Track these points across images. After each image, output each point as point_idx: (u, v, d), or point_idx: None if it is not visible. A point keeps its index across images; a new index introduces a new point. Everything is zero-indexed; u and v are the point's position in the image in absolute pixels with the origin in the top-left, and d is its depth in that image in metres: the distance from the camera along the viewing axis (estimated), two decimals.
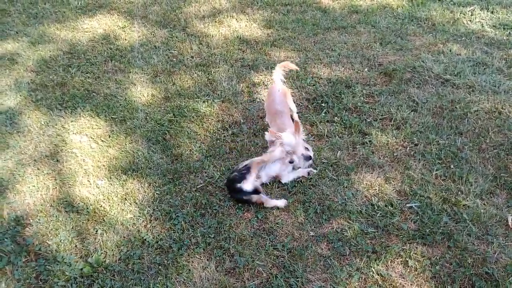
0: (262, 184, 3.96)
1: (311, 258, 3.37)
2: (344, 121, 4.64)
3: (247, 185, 3.73)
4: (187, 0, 7.48)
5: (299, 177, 4.03)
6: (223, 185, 3.98)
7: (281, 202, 3.76)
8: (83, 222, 3.75)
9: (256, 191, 3.76)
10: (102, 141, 4.60)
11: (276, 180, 4.04)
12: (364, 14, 6.81)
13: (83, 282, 3.30)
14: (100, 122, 4.85)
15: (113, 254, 3.49)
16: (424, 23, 6.49)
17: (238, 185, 3.74)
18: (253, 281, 3.24)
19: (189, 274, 3.31)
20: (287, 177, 4.01)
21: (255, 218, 3.70)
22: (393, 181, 3.95)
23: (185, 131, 4.65)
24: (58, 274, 3.34)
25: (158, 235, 3.61)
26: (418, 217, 3.61)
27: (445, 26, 6.36)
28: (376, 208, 3.72)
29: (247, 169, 3.84)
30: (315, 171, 4.07)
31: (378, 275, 3.21)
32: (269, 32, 6.46)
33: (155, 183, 4.09)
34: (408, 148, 4.28)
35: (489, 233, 3.44)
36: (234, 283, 3.24)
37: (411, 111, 4.72)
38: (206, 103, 5.05)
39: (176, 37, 6.40)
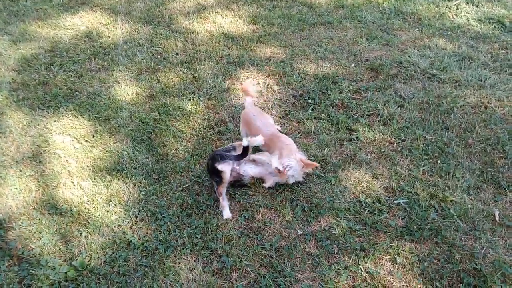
0: (245, 185, 3.94)
1: (299, 257, 3.34)
2: (331, 118, 4.62)
3: (222, 166, 3.66)
4: None
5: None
6: (209, 185, 3.93)
7: (226, 213, 3.70)
8: (67, 225, 3.68)
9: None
10: (86, 141, 4.52)
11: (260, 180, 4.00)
12: (350, 9, 6.79)
13: (68, 286, 3.24)
14: (83, 121, 4.76)
15: (98, 257, 3.43)
16: (410, 17, 6.49)
17: (216, 164, 3.67)
18: (241, 281, 3.21)
19: (176, 275, 3.27)
20: (272, 181, 3.91)
21: (242, 217, 3.66)
22: (380, 178, 3.94)
23: (171, 130, 4.58)
24: (42, 279, 3.28)
25: (144, 237, 3.56)
26: (405, 213, 3.61)
27: (431, 21, 6.36)
28: (364, 205, 3.71)
29: (233, 147, 3.86)
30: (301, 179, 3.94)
31: (366, 273, 3.20)
32: (255, 28, 6.40)
33: (141, 183, 4.02)
34: (395, 144, 4.27)
35: (476, 229, 3.44)
36: (221, 284, 3.20)
37: (398, 106, 4.71)
38: (191, 101, 4.99)
39: (161, 34, 6.31)
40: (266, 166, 3.89)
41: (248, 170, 3.89)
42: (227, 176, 3.68)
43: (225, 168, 3.65)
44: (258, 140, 3.73)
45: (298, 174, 3.81)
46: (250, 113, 4.22)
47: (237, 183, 3.92)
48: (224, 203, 3.71)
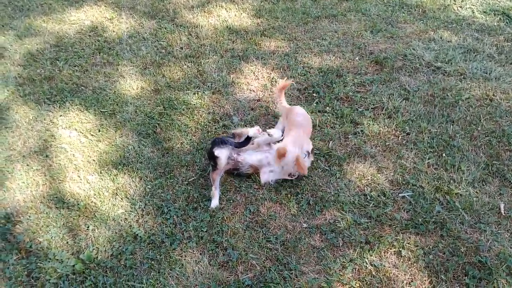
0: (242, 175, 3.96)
1: (304, 250, 3.36)
2: (336, 111, 4.62)
3: (219, 152, 3.75)
4: None
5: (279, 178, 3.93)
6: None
7: (214, 202, 3.74)
8: (74, 218, 3.71)
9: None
10: (92, 135, 4.54)
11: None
12: (354, 2, 6.76)
13: (75, 279, 3.27)
14: (89, 116, 4.78)
15: (105, 250, 3.46)
16: (415, 10, 6.46)
17: (214, 149, 3.77)
18: (247, 274, 3.23)
19: (182, 268, 3.29)
20: (267, 176, 3.86)
21: (248, 211, 3.68)
22: (385, 171, 3.95)
23: (176, 124, 4.60)
24: (50, 272, 3.32)
25: (150, 230, 3.58)
26: (410, 206, 3.61)
27: (435, 13, 6.33)
28: (368, 198, 3.72)
29: (233, 135, 3.97)
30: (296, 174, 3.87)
31: (371, 265, 3.21)
32: (259, 21, 6.39)
33: (146, 177, 4.05)
34: (400, 137, 4.27)
35: (481, 221, 3.45)
36: (227, 277, 3.23)
37: (403, 99, 4.71)
38: (196, 95, 5.00)
39: (165, 28, 6.31)
40: (266, 153, 3.89)
41: (248, 158, 3.87)
42: (222, 162, 3.74)
43: (222, 154, 3.72)
44: (252, 132, 3.84)
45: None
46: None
47: (235, 172, 3.93)
48: (216, 192, 3.75)
